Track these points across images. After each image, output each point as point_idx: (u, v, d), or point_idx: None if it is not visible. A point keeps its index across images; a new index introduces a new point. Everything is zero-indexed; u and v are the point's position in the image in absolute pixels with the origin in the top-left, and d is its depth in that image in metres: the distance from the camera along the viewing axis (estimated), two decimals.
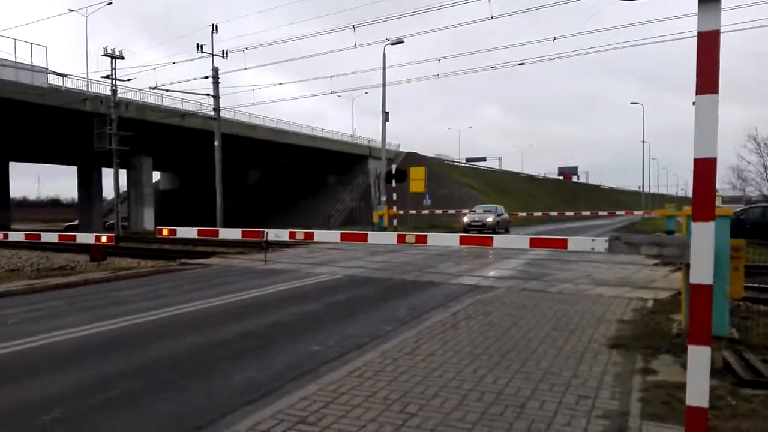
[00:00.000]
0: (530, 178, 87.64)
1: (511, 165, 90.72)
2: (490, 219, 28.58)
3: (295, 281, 11.12)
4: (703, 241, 3.05)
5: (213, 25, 29.85)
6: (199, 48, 29.39)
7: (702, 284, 3.07)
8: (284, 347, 6.17)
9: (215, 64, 30.23)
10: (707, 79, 2.89)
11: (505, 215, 31.32)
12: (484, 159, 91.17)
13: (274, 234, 8.54)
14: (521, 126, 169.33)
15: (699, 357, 3.14)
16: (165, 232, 8.76)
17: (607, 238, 4.95)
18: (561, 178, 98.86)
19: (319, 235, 8.92)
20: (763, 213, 25.20)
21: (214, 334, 6.82)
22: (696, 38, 2.83)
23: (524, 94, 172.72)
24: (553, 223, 42.65)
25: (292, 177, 58.25)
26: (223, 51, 29.83)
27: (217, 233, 10.05)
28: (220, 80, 30.60)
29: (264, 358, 5.71)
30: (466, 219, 29.54)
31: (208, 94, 31.06)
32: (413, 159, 54.27)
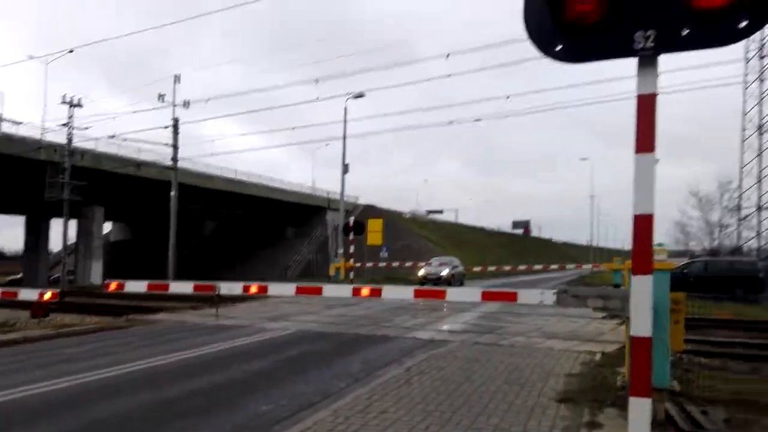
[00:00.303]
0: (485, 231, 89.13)
1: (467, 218, 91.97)
2: (445, 272, 28.78)
3: (247, 337, 10.85)
4: (642, 294, 3.17)
5: (175, 75, 30.01)
6: (161, 98, 29.42)
7: (642, 336, 3.16)
8: (235, 406, 5.97)
9: (176, 114, 30.22)
10: (645, 139, 3.06)
11: (461, 268, 31.61)
12: (441, 211, 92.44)
13: (226, 288, 8.41)
14: (478, 179, 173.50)
15: (640, 409, 3.20)
16: (113, 286, 8.50)
17: (554, 292, 5.07)
18: (519, 231, 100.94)
19: (274, 288, 8.84)
20: (705, 267, 26.27)
21: (162, 392, 6.55)
22: (635, 100, 3.01)
23: (482, 149, 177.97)
24: (507, 276, 43.26)
25: (249, 228, 57.60)
26: (184, 101, 29.93)
27: (167, 287, 9.82)
28: (180, 130, 30.51)
29: (214, 418, 5.51)
30: (422, 271, 29.67)
31: (166, 144, 30.86)
32: (371, 211, 54.63)
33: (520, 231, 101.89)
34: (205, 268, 49.42)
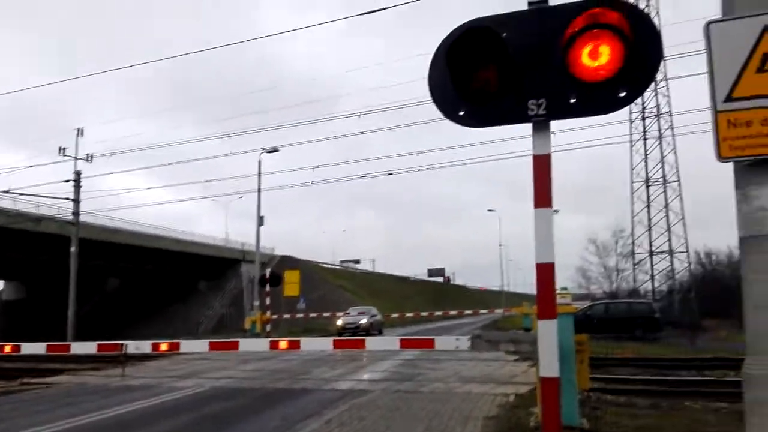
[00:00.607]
0: (402, 279, 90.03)
1: (384, 267, 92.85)
2: (363, 321, 28.72)
3: (156, 397, 10.25)
4: (548, 337, 3.41)
5: (78, 128, 28.86)
6: (62, 151, 28.06)
7: (550, 377, 3.38)
8: None
9: (78, 168, 28.85)
10: (542, 195, 3.36)
11: (379, 316, 31.66)
12: (358, 261, 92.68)
13: (134, 346, 8.00)
14: (394, 229, 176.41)
15: None
16: (7, 348, 7.86)
17: (469, 337, 5.26)
18: (438, 279, 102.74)
19: (186, 345, 8.49)
20: (606, 309, 27.93)
21: None
22: (531, 161, 3.31)
23: (396, 200, 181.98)
24: (424, 323, 43.67)
25: (158, 283, 54.85)
26: (87, 154, 28.76)
27: (68, 348, 9.18)
28: (82, 184, 29.09)
29: None
30: (340, 321, 29.44)
31: (67, 198, 29.24)
32: (288, 262, 53.79)
33: (437, 278, 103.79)
34: (108, 326, 46.31)
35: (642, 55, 2.71)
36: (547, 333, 3.38)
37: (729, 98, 2.53)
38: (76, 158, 28.49)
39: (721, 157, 2.54)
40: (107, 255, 44.28)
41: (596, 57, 2.72)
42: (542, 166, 3.11)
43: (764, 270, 2.52)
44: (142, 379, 13.00)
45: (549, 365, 3.33)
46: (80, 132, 28.78)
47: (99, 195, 75.01)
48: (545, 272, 3.30)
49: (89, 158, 28.62)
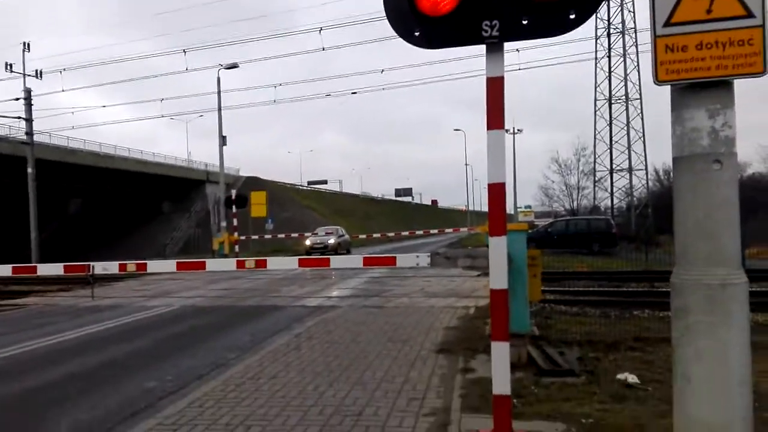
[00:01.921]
0: (370, 200, 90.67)
1: (351, 187, 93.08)
2: (331, 240, 29.18)
3: (127, 316, 10.48)
4: (498, 252, 3.61)
5: (24, 43, 27.21)
6: (8, 67, 26.57)
7: (498, 289, 3.62)
8: (118, 385, 5.87)
9: (28, 85, 27.48)
10: (495, 117, 3.45)
11: (346, 236, 32.17)
12: (325, 182, 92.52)
13: (101, 267, 8.07)
14: (360, 149, 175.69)
15: (500, 351, 3.67)
16: None
17: (428, 254, 5.51)
18: (406, 199, 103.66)
19: (153, 265, 8.61)
20: (566, 225, 28.92)
21: (34, 379, 6.25)
22: (485, 82, 3.38)
23: (362, 119, 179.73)
24: (391, 242, 44.58)
25: (121, 205, 54.03)
26: (36, 71, 27.26)
27: (35, 269, 9.20)
28: (33, 102, 27.81)
29: (94, 399, 5.40)
30: (308, 241, 29.84)
31: (19, 117, 28.04)
32: (254, 183, 53.43)
33: (405, 198, 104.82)
34: (72, 249, 45.88)
35: None
36: (498, 249, 3.57)
37: (668, 23, 2.61)
38: (24, 75, 27.11)
39: (658, 81, 2.66)
40: (66, 177, 43.19)
41: None
42: (495, 88, 3.17)
43: (692, 187, 2.71)
44: (112, 299, 13.19)
45: (498, 278, 3.55)
46: (27, 46, 27.20)
47: (52, 114, 71.90)
48: (497, 192, 3.45)
49: (38, 75, 27.26)
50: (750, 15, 2.56)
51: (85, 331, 9.10)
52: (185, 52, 24.36)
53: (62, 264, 8.36)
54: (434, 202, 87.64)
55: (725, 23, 2.58)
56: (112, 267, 8.25)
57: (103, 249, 46.10)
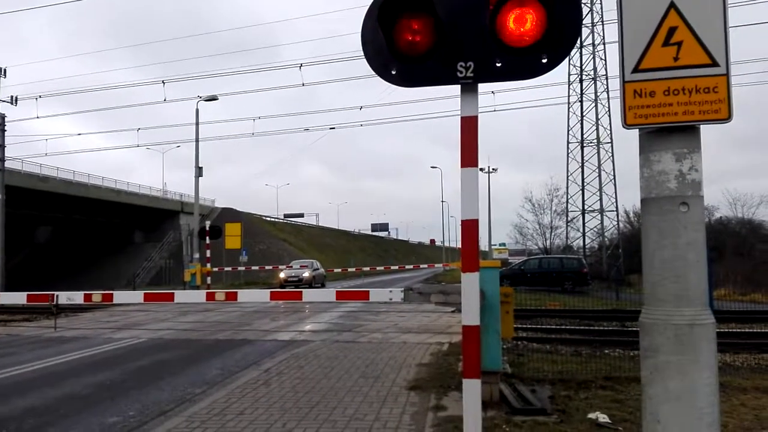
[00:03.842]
0: (346, 234, 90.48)
1: (328, 221, 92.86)
2: (306, 274, 28.94)
3: (91, 348, 10.16)
4: (470, 289, 3.62)
5: (0, 68, 26.96)
6: None
7: (470, 325, 3.61)
8: (77, 421, 5.64)
9: (2, 111, 27.14)
10: (468, 155, 3.50)
11: (321, 270, 31.95)
12: (301, 215, 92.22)
13: (65, 297, 7.82)
14: (338, 183, 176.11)
15: (471, 389, 3.63)
16: None
17: (402, 289, 5.49)
18: (382, 234, 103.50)
19: (120, 296, 8.40)
20: (539, 263, 29.21)
21: None
22: (459, 121, 3.43)
23: (340, 155, 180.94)
24: (367, 277, 44.41)
25: (92, 234, 52.98)
26: (12, 97, 26.95)
27: None
28: (6, 128, 27.42)
29: None
30: (282, 274, 29.55)
31: None
32: (229, 215, 52.98)
33: (381, 233, 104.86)
34: (39, 278, 44.67)
35: (563, 24, 2.85)
36: (470, 285, 3.57)
37: (636, 69, 2.71)
38: None
39: (627, 125, 2.74)
40: (37, 204, 42.31)
41: (522, 23, 2.84)
42: (469, 127, 3.23)
43: (660, 228, 2.77)
44: (77, 330, 12.79)
45: (470, 314, 3.55)
46: (2, 72, 26.93)
47: (26, 140, 70.73)
48: (469, 228, 3.47)
49: (14, 101, 26.92)
50: (715, 64, 2.67)
51: (46, 363, 8.78)
52: (164, 83, 24.39)
53: (25, 293, 8.09)
54: (432, 241, 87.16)
55: (691, 71, 2.68)
56: (77, 297, 8.01)
57: (73, 278, 44.99)
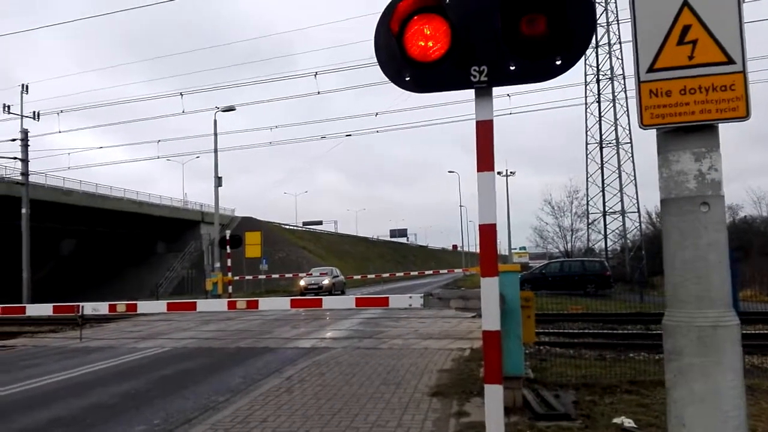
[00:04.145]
0: (365, 241, 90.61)
1: (347, 228, 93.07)
2: (326, 281, 29.01)
3: (116, 358, 10.30)
4: (490, 293, 3.60)
5: (23, 85, 27.63)
6: (6, 109, 26.88)
7: (491, 330, 3.59)
8: (103, 430, 5.73)
9: (25, 126, 27.77)
10: (485, 160, 3.49)
11: (341, 277, 32.01)
12: (320, 222, 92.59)
13: (91, 308, 7.97)
14: (356, 190, 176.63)
15: (493, 394, 3.61)
16: None
17: (421, 295, 5.48)
18: (401, 240, 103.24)
19: (144, 306, 8.52)
20: (561, 267, 28.89)
21: (15, 422, 6.09)
22: (474, 126, 3.43)
23: (357, 161, 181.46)
24: (386, 283, 44.37)
25: (115, 245, 53.79)
26: (34, 112, 27.59)
27: (23, 310, 9.09)
28: (30, 143, 28.06)
29: None
30: (302, 282, 29.66)
31: (15, 158, 28.20)
32: (249, 223, 53.43)
33: (400, 239, 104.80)
34: (64, 290, 45.45)
35: (575, 26, 2.83)
36: (489, 289, 3.56)
37: (651, 69, 2.69)
38: (22, 116, 27.41)
39: (643, 125, 2.72)
40: (61, 217, 43.09)
41: (534, 26, 2.83)
42: (485, 131, 3.22)
43: (680, 229, 2.73)
44: (102, 340, 12.98)
45: (490, 319, 3.53)
46: (25, 88, 27.60)
47: (49, 155, 72.26)
48: (487, 233, 3.46)
49: (36, 116, 27.55)
50: (731, 61, 2.64)
51: (72, 373, 8.93)
52: (182, 95, 24.78)
53: (51, 305, 8.26)
54: (455, 247, 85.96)
55: (707, 69, 2.66)
56: (102, 308, 8.16)
57: (97, 289, 45.68)
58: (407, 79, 3.07)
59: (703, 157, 2.68)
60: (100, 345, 12.24)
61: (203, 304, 7.86)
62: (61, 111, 26.69)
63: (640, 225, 41.19)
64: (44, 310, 8.57)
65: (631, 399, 6.00)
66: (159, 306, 8.05)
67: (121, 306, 7.77)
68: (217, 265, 31.45)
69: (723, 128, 2.77)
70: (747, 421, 2.80)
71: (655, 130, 2.76)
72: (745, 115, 2.64)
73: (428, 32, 2.95)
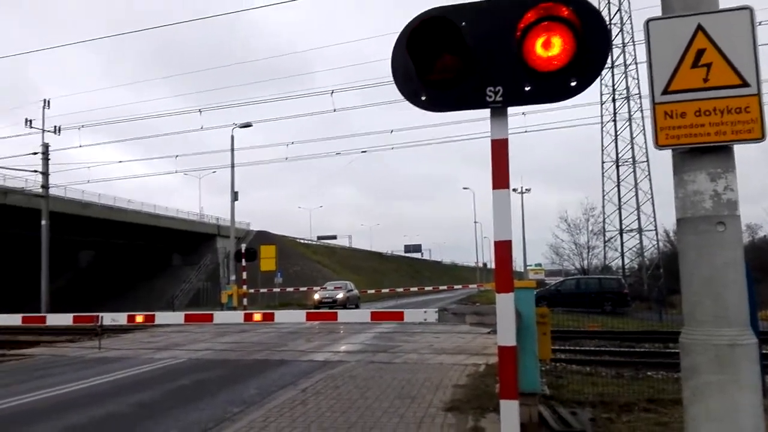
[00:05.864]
0: (378, 256, 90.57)
1: (361, 243, 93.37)
2: (340, 295, 29.06)
3: (133, 368, 10.40)
4: (505, 309, 3.64)
5: (45, 100, 28.30)
6: (28, 123, 27.50)
7: (506, 346, 3.62)
8: None
9: (46, 140, 28.38)
10: (500, 177, 3.55)
11: (355, 291, 32.04)
12: (334, 237, 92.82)
13: (110, 318, 8.10)
14: (370, 205, 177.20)
15: (509, 409, 3.64)
16: None
17: (436, 310, 5.51)
18: (415, 255, 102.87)
19: (161, 317, 8.63)
20: (577, 284, 28.64)
21: (32, 431, 6.19)
22: (489, 144, 3.50)
23: (372, 177, 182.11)
24: (400, 298, 44.26)
25: (132, 257, 54.40)
26: (55, 127, 28.17)
27: (44, 320, 9.24)
28: (50, 156, 28.64)
29: None
30: (317, 296, 29.73)
31: (36, 171, 28.75)
32: (264, 237, 53.77)
33: (414, 254, 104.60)
34: (82, 301, 45.97)
35: (591, 48, 2.89)
36: (505, 305, 3.60)
37: (666, 91, 2.73)
38: (43, 130, 28.02)
39: (659, 146, 2.76)
40: (80, 229, 43.72)
41: (549, 48, 2.89)
42: (500, 150, 3.28)
43: (697, 248, 2.76)
44: (119, 350, 13.11)
45: (506, 335, 3.56)
46: (47, 103, 28.25)
47: (69, 168, 73.47)
48: (503, 249, 3.50)
49: (57, 130, 28.16)
50: (745, 84, 2.68)
51: (89, 383, 9.04)
52: (201, 111, 25.22)
53: (71, 315, 8.40)
54: (484, 265, 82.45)
55: (722, 92, 2.70)
56: (120, 318, 8.28)
57: (114, 301, 46.12)
58: (423, 99, 3.15)
59: (719, 178, 2.72)
60: (118, 355, 12.37)
61: (220, 316, 7.96)
62: (82, 126, 27.20)
63: (657, 243, 40.83)
64: (64, 320, 8.72)
65: (649, 417, 5.94)
66: (177, 317, 8.16)
67: (139, 317, 7.88)
68: (233, 277, 31.66)
69: (741, 148, 2.81)
70: None
71: (670, 151, 2.81)
72: (761, 137, 2.68)
73: (445, 55, 3.03)
